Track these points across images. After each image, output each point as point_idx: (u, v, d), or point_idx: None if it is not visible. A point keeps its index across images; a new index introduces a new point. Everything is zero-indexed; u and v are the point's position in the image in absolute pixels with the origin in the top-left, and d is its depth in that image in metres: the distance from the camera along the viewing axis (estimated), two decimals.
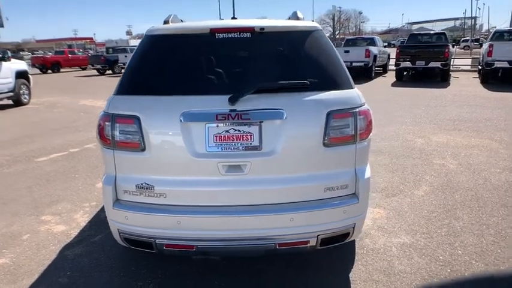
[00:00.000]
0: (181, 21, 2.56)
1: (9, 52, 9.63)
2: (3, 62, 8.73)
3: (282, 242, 1.92)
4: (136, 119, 1.87)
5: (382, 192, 3.62)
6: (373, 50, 14.04)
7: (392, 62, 14.68)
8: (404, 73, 13.89)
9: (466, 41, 36.10)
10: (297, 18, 2.36)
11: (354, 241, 2.71)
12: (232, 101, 1.82)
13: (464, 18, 56.59)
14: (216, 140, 1.86)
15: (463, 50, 31.95)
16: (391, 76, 14.62)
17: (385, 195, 3.55)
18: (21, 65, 9.82)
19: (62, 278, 2.35)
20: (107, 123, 1.93)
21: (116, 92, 2.01)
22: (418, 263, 2.47)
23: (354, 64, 13.62)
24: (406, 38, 15.72)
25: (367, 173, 2.05)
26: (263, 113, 1.85)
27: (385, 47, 16.52)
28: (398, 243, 2.69)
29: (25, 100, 9.94)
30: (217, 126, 1.85)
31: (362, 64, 13.71)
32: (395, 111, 7.68)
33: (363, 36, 23.59)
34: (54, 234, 2.89)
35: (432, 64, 12.36)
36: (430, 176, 4.00)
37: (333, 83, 1.99)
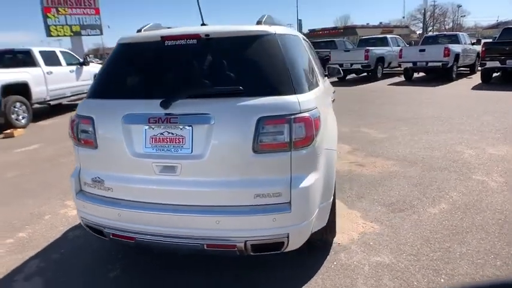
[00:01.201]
0: (169, 27, 2.74)
1: (88, 57, 11.49)
2: (84, 66, 10.20)
3: (209, 243, 1.96)
4: (91, 120, 2.12)
5: (388, 206, 3.33)
6: (455, 48, 12.59)
7: None
8: (494, 74, 12.16)
9: None
10: (259, 23, 2.35)
11: (327, 253, 2.60)
12: (163, 105, 1.93)
13: None
14: (152, 142, 2.00)
15: None
16: (478, 77, 12.97)
17: (391, 210, 3.26)
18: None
19: (55, 254, 2.75)
20: (74, 123, 2.21)
21: (86, 96, 2.29)
22: (385, 285, 2.26)
23: (430, 64, 12.41)
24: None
25: (306, 183, 1.96)
26: (191, 117, 1.93)
27: (473, 44, 14.53)
28: (375, 262, 2.49)
29: None
30: (153, 128, 1.99)
31: (439, 64, 12.39)
32: (459, 118, 6.84)
33: (445, 33, 21.19)
34: (68, 217, 3.36)
35: None
36: (458, 193, 3.53)
37: (270, 89, 1.96)
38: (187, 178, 1.97)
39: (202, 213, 1.94)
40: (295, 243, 2.04)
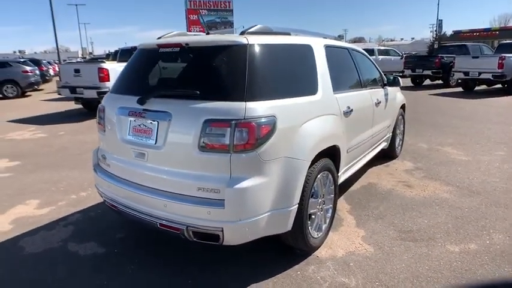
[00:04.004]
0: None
1: None
2: None
3: (161, 223, 2.26)
4: (104, 109, 2.68)
5: (403, 233, 3.01)
6: None
7: None
8: None
9: None
10: (242, 33, 2.49)
11: (298, 263, 2.59)
12: (139, 101, 2.32)
13: None
14: (133, 131, 2.42)
15: None
16: None
17: (402, 237, 2.95)
18: None
19: (92, 213, 3.48)
20: (98, 109, 2.82)
21: (110, 90, 2.87)
22: None
23: (482, 76, 11.29)
24: None
25: (243, 184, 2.06)
26: (157, 114, 2.26)
27: None
28: (338, 283, 2.37)
29: None
30: (135, 120, 2.40)
31: (490, 76, 11.01)
32: (478, 142, 5.31)
33: None
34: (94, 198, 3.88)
35: None
36: (504, 236, 2.92)
37: (222, 95, 2.13)
38: (151, 164, 2.32)
39: (155, 195, 2.26)
40: (233, 239, 2.16)
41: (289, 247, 2.66)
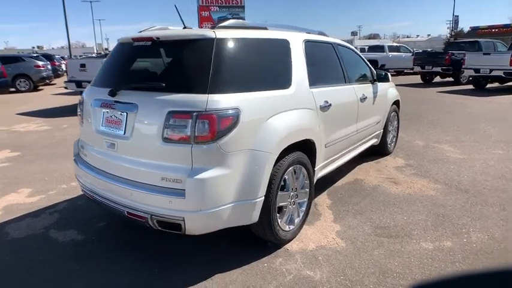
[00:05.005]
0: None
1: None
2: None
3: (128, 211, 2.33)
4: (82, 101, 2.75)
5: (379, 229, 3.00)
6: None
7: None
8: None
9: None
10: (213, 27, 2.51)
11: (267, 255, 2.62)
12: (110, 93, 2.39)
13: None
14: (106, 122, 2.48)
15: None
16: None
17: (378, 233, 2.93)
18: None
19: (80, 201, 3.59)
20: (79, 104, 2.90)
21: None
22: None
23: (493, 73, 11.16)
24: None
25: (204, 175, 2.10)
26: (125, 105, 2.32)
27: None
28: (303, 276, 2.39)
29: None
30: (107, 111, 2.47)
31: (501, 73, 10.83)
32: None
33: None
34: None
35: None
36: (482, 236, 2.88)
37: (186, 87, 2.17)
38: (120, 154, 2.39)
39: (123, 184, 2.32)
40: (195, 228, 2.21)
41: (260, 239, 2.69)
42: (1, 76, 9.88)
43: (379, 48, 19.95)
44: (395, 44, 23.59)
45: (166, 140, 2.16)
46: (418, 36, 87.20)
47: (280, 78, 2.69)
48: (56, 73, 16.65)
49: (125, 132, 2.35)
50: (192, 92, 2.16)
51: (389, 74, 4.55)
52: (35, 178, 4.28)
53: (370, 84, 4.21)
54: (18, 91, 14.32)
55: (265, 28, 2.88)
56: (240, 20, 2.64)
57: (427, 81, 15.70)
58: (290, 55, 2.84)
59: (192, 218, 2.16)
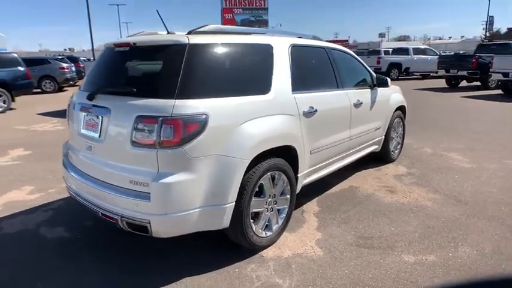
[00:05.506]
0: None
1: None
2: None
3: (102, 212, 2.39)
4: (69, 105, 2.87)
5: (361, 239, 2.92)
6: None
7: None
8: None
9: None
10: (189, 33, 2.52)
11: (239, 260, 2.61)
12: (88, 97, 2.47)
13: None
14: (86, 125, 2.57)
15: None
16: None
17: (359, 243, 2.86)
18: None
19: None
20: (67, 107, 3.01)
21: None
22: None
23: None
24: None
25: (169, 180, 2.13)
26: (100, 109, 2.39)
27: None
28: (271, 283, 2.36)
29: None
30: (87, 115, 2.55)
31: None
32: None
33: None
34: None
35: None
36: (471, 250, 2.74)
37: (154, 92, 2.21)
38: (95, 156, 2.46)
39: (98, 185, 2.39)
40: (162, 231, 2.24)
41: (237, 244, 2.69)
42: (25, 78, 10.39)
43: (403, 51, 19.38)
44: (421, 46, 22.87)
45: (135, 143, 2.21)
46: (450, 38, 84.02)
47: (258, 84, 2.68)
48: (80, 75, 17.35)
49: (100, 135, 2.43)
50: (161, 97, 2.19)
51: (389, 79, 4.42)
52: (39, 176, 4.49)
53: (369, 90, 4.11)
54: (43, 92, 15.05)
55: (249, 33, 2.88)
56: (222, 25, 2.66)
57: (453, 85, 15.09)
58: (272, 60, 2.82)
59: (158, 221, 2.19)
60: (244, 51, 2.68)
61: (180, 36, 2.41)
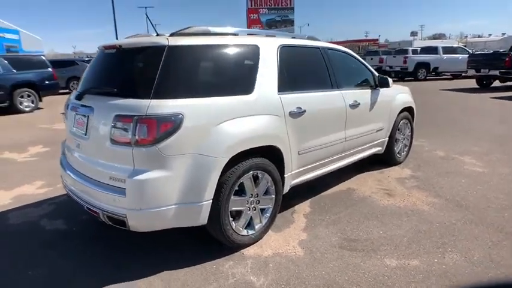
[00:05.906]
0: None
1: None
2: None
3: (87, 206, 2.52)
4: (67, 104, 3.04)
5: (346, 241, 2.89)
6: None
7: None
8: None
9: None
10: (172, 34, 2.60)
11: (218, 257, 2.67)
12: (76, 97, 2.61)
13: None
14: (76, 124, 2.72)
15: None
16: None
17: (343, 245, 2.83)
18: None
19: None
20: (64, 107, 3.19)
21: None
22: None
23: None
24: None
25: (144, 176, 2.22)
26: (85, 109, 2.53)
27: None
28: (246, 281, 2.40)
29: None
30: (76, 114, 2.70)
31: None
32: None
33: None
34: None
35: None
36: (460, 257, 2.64)
37: (132, 92, 2.31)
38: (82, 153, 2.61)
39: (83, 180, 2.53)
40: (138, 225, 2.33)
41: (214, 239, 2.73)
42: (52, 79, 11.00)
43: (432, 50, 18.65)
44: (453, 45, 21.92)
45: (113, 141, 2.32)
46: (490, 35, 79.70)
47: (240, 84, 2.71)
48: None
49: (85, 134, 2.56)
50: (138, 97, 2.29)
51: (390, 79, 4.30)
52: (51, 172, 4.75)
53: (369, 90, 4.04)
54: (71, 92, 15.78)
55: (235, 34, 2.93)
56: (206, 27, 2.72)
57: (484, 85, 14.36)
58: (257, 61, 2.85)
59: (133, 215, 2.29)
60: (227, 52, 2.72)
61: (161, 38, 2.50)
